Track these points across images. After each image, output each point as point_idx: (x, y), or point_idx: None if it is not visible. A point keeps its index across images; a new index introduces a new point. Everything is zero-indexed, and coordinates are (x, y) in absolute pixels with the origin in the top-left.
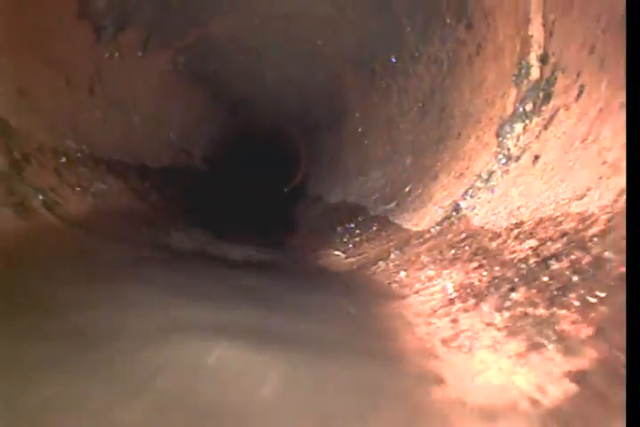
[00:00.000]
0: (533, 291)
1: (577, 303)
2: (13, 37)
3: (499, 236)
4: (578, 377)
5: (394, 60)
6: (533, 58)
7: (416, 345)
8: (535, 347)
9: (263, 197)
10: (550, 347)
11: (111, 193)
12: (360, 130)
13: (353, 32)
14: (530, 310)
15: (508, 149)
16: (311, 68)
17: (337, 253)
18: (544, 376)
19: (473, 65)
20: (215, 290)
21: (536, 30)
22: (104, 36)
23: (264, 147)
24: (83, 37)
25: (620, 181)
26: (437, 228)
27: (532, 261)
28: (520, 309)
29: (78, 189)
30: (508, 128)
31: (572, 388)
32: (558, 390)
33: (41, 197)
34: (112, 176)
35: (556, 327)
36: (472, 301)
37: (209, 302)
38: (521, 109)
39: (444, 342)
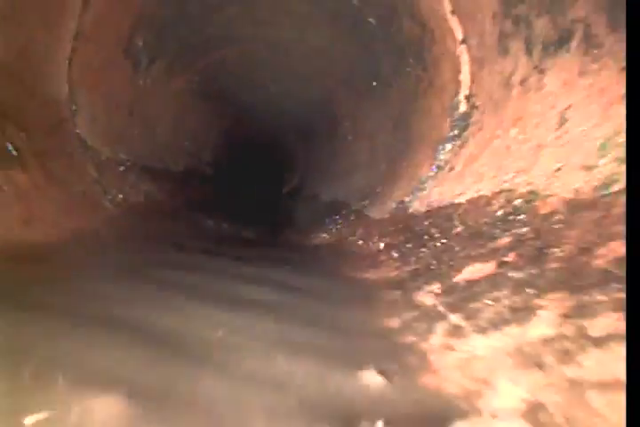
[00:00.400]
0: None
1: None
2: (87, 80)
3: (417, 217)
4: None
5: (374, 83)
6: (462, 97)
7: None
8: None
9: (266, 196)
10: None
11: (151, 192)
12: (349, 138)
13: (344, 59)
14: (420, 254)
15: (439, 162)
16: (308, 84)
17: (324, 235)
18: None
19: (426, 97)
20: (231, 265)
21: (464, 77)
22: (140, 68)
23: (266, 152)
24: (126, 71)
25: (498, 182)
26: (387, 215)
27: (432, 230)
28: (414, 252)
29: (132, 189)
30: (441, 147)
31: None
32: None
33: (109, 197)
34: (149, 179)
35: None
36: (393, 252)
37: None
38: (451, 134)
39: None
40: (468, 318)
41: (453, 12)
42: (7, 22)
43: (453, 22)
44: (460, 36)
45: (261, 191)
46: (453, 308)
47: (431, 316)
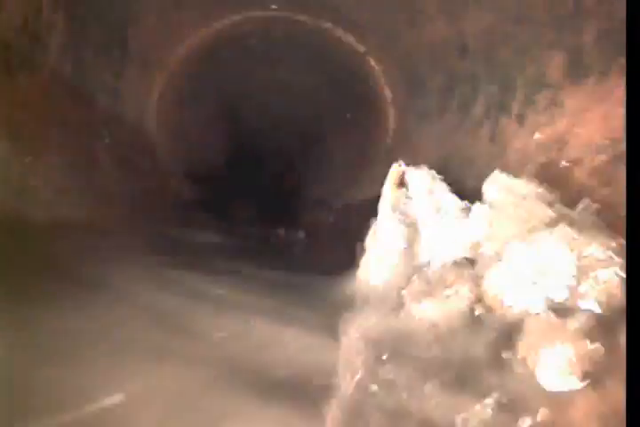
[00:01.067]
0: None
1: None
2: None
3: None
4: None
5: (348, 115)
6: (390, 132)
7: None
8: None
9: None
10: None
11: (192, 192)
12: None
13: (330, 94)
14: None
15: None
16: (303, 107)
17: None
18: None
19: (369, 135)
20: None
21: (391, 120)
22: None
23: (269, 159)
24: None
25: None
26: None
27: None
28: None
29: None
30: (378, 161)
31: None
32: None
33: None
34: (189, 183)
35: None
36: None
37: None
38: (383, 154)
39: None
40: None
41: (386, 86)
42: None
43: (387, 92)
44: (389, 96)
45: (268, 191)
46: None
47: None
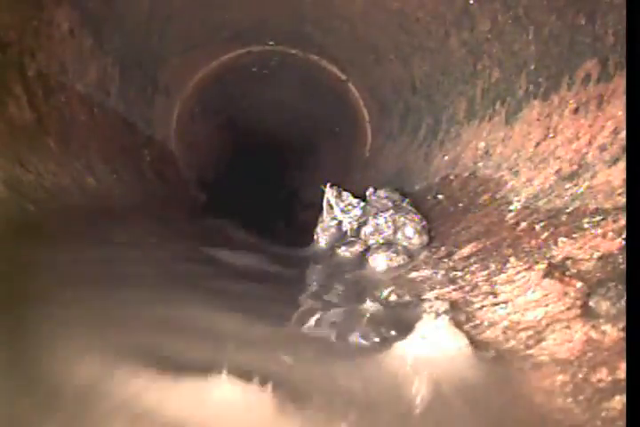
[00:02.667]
0: None
1: None
2: None
3: None
4: None
5: (337, 129)
6: (367, 148)
7: None
8: None
9: (270, 197)
10: None
11: (203, 195)
12: (322, 157)
13: (317, 112)
14: None
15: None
16: (295, 123)
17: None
18: None
19: (351, 147)
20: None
21: (369, 137)
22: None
23: (270, 166)
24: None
25: None
26: None
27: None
28: None
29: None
30: (359, 168)
31: None
32: None
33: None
34: (201, 187)
35: None
36: None
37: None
38: (363, 163)
39: None
40: None
41: (364, 107)
42: None
43: (365, 113)
44: (367, 116)
45: (269, 194)
46: None
47: None
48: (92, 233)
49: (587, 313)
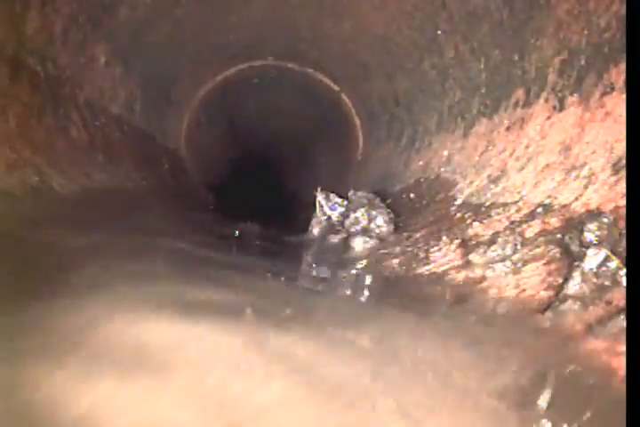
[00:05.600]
0: None
1: None
2: None
3: None
4: None
5: (331, 135)
6: (359, 153)
7: None
8: None
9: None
10: None
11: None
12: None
13: (314, 119)
14: None
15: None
16: (294, 129)
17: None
18: None
19: (345, 152)
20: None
21: (361, 142)
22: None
23: (268, 168)
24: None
25: None
26: None
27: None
28: None
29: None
30: (351, 172)
31: None
32: None
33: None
34: (208, 191)
35: None
36: None
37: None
38: (356, 166)
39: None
40: None
41: (356, 116)
42: None
43: (357, 121)
44: (358, 124)
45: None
46: None
47: None
48: (130, 223)
49: (467, 264)
